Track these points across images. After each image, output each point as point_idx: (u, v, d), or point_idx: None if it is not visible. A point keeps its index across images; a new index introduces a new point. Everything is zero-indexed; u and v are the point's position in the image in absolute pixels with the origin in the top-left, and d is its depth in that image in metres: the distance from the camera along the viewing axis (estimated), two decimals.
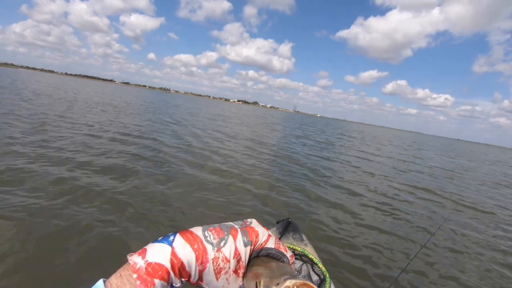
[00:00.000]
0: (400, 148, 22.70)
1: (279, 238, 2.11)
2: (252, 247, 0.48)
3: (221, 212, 3.87)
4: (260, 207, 4.32)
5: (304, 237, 2.20)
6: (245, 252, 0.47)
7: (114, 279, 0.40)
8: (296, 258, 1.81)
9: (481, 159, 26.28)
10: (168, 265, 0.42)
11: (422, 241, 3.88)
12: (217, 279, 0.45)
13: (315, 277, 1.68)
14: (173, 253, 0.43)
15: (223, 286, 0.46)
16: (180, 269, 0.43)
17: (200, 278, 0.45)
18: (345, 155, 12.32)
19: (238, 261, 0.46)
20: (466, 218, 5.59)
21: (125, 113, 13.96)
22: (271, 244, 0.51)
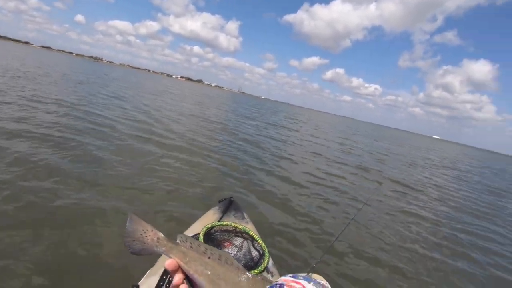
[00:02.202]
0: (338, 132, 24.68)
1: (221, 218, 2.12)
2: None
3: (167, 185, 3.87)
4: (204, 184, 4.29)
5: (246, 215, 2.26)
6: None
7: None
8: (237, 236, 1.85)
9: (405, 144, 30.33)
10: None
11: (352, 214, 4.36)
12: None
13: (255, 253, 1.75)
14: None
15: None
16: None
17: None
18: (289, 137, 12.90)
19: None
20: (390, 191, 6.46)
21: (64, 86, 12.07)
22: None
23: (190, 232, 1.89)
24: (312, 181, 5.96)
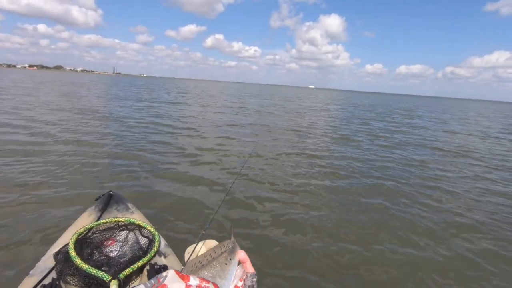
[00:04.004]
0: (228, 97, 25.17)
1: (99, 217, 1.86)
2: None
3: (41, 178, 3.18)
4: (80, 184, 3.72)
5: (130, 205, 2.05)
6: None
7: None
8: (121, 230, 1.66)
9: (289, 97, 33.65)
10: None
11: (238, 168, 4.65)
12: None
13: (143, 240, 1.62)
14: None
15: None
16: None
17: None
18: (179, 111, 12.38)
19: None
20: (273, 141, 7.14)
21: None
22: None
23: (58, 245, 1.57)
24: (201, 151, 6.01)
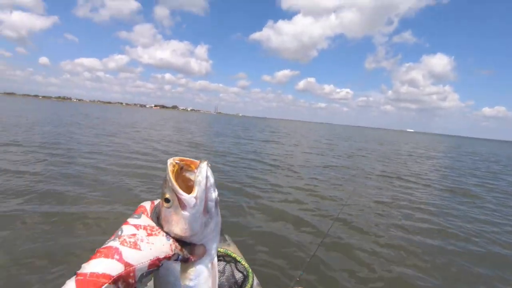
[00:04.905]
0: (318, 137, 25.14)
1: None
2: None
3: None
4: None
5: (227, 237, 2.18)
6: None
7: None
8: (219, 260, 1.77)
9: (383, 141, 31.34)
10: None
11: (339, 207, 4.37)
12: None
13: (238, 275, 1.68)
14: None
15: None
16: None
17: None
18: (271, 149, 12.96)
19: None
20: (371, 188, 6.56)
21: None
22: None
23: None
24: (296, 190, 5.96)
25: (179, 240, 0.55)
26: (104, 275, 0.43)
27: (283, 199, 5.31)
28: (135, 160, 7.54)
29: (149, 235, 0.52)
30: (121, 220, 0.52)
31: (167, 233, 0.55)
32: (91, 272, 0.42)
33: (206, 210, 0.57)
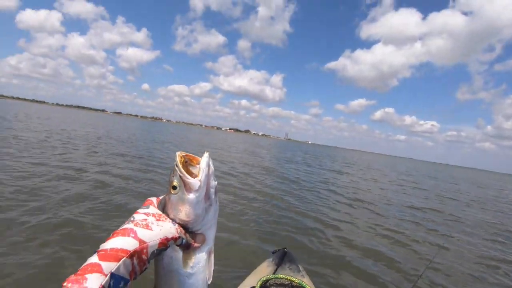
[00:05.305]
0: (399, 174, 22.88)
1: (275, 270, 2.05)
2: None
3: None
4: (257, 232, 4.23)
5: (301, 268, 2.14)
6: None
7: None
8: None
9: (484, 185, 26.66)
10: None
11: (425, 263, 3.82)
12: None
13: None
14: None
15: None
16: None
17: None
18: (346, 182, 12.33)
19: None
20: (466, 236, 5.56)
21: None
22: None
23: (245, 286, 1.85)
24: (376, 228, 5.46)
25: (182, 228, 0.63)
26: (122, 250, 0.50)
27: (362, 235, 4.92)
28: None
29: (158, 220, 0.60)
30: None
31: (173, 220, 0.63)
32: (111, 248, 0.50)
33: (208, 196, 0.65)
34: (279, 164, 16.09)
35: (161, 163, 9.29)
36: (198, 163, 0.66)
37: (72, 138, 12.73)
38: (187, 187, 0.63)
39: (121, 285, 0.49)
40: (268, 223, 4.83)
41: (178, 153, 0.66)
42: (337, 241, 4.46)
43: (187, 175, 0.63)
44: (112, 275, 0.47)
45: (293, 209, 6.03)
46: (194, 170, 0.66)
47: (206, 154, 0.66)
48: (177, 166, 0.63)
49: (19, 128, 13.61)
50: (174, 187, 0.63)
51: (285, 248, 2.27)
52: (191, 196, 0.63)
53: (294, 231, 4.61)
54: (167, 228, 0.59)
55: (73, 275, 0.45)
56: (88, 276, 0.44)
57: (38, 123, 18.90)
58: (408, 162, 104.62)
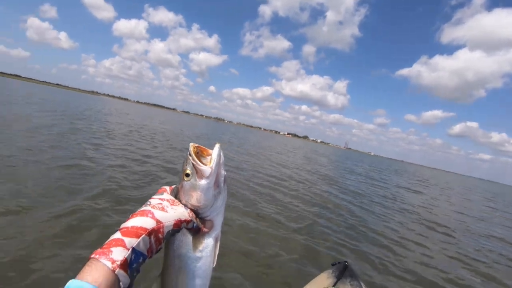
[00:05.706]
0: (482, 198, 19.83)
1: (335, 283, 1.97)
2: None
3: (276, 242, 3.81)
4: (315, 242, 4.11)
5: (363, 285, 2.01)
6: None
7: None
8: None
9: None
10: None
11: None
12: None
13: None
14: None
15: None
16: None
17: None
18: (416, 200, 11.21)
19: None
20: None
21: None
22: None
23: None
24: (447, 257, 4.82)
25: (193, 213, 0.68)
26: (142, 228, 0.56)
27: (434, 260, 4.39)
28: (267, 182, 8.26)
29: (172, 204, 0.66)
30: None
31: (185, 205, 0.68)
32: (132, 226, 0.56)
33: (217, 183, 0.70)
34: (339, 174, 15.41)
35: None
36: (209, 155, 0.71)
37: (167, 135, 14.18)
38: (199, 173, 0.68)
39: (140, 260, 0.54)
40: (331, 232, 4.67)
41: (191, 144, 0.71)
42: (405, 262, 4.07)
43: (199, 162, 0.68)
44: (133, 249, 0.52)
45: (358, 221, 5.72)
46: (205, 161, 0.70)
47: (217, 145, 0.71)
48: (190, 155, 0.69)
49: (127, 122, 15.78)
50: (187, 175, 0.68)
51: (346, 261, 2.17)
52: (203, 182, 0.68)
53: (356, 244, 4.36)
54: (181, 211, 0.65)
55: (99, 248, 0.51)
56: (113, 249, 0.50)
57: (129, 118, 21.66)
58: (493, 186, 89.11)
